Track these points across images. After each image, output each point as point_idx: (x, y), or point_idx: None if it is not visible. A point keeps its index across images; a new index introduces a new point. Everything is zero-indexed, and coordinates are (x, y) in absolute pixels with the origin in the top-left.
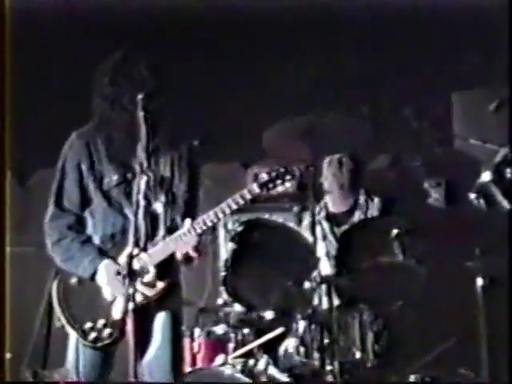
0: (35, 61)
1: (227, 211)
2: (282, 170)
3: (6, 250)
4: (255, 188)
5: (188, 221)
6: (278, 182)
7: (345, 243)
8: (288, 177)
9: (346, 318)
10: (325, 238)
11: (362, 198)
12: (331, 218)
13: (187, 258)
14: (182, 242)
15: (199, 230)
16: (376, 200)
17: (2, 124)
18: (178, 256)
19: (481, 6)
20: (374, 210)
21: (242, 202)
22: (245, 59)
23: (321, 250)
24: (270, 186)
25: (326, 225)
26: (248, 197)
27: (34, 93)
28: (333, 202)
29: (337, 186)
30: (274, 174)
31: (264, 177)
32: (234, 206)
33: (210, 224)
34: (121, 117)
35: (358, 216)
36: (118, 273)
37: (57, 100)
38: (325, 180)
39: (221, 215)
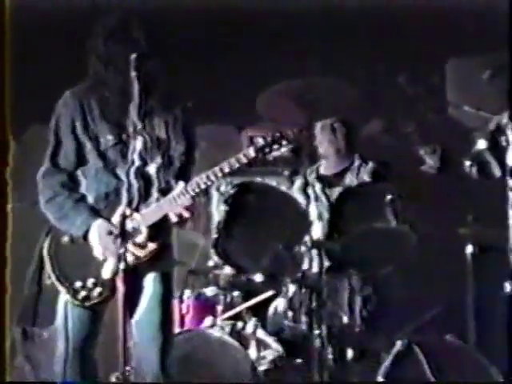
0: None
1: (220, 174)
2: (278, 134)
3: (7, 208)
4: (251, 152)
5: (181, 183)
6: (274, 146)
7: (337, 207)
8: (284, 142)
9: (335, 282)
10: (317, 199)
11: (356, 163)
12: (323, 180)
13: (180, 220)
14: (175, 203)
15: (192, 192)
16: (369, 165)
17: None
18: (172, 217)
19: None
20: (365, 174)
21: (236, 165)
22: (241, 22)
23: (313, 212)
24: (266, 150)
25: (318, 186)
26: (243, 161)
27: (34, 45)
28: (326, 166)
29: (333, 151)
30: (269, 139)
31: (260, 141)
32: (228, 170)
33: (203, 186)
34: (115, 78)
35: (349, 179)
36: (110, 232)
37: (53, 55)
38: (320, 144)
39: (214, 178)
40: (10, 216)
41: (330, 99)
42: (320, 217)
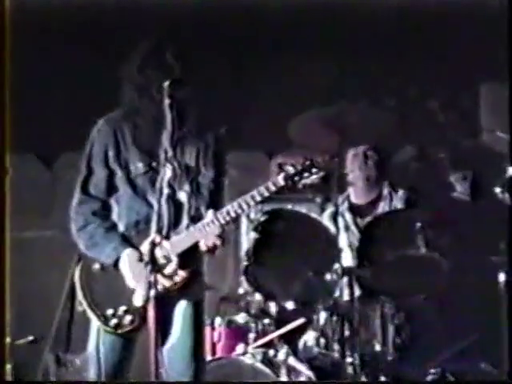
0: (60, 42)
1: (252, 203)
2: (308, 162)
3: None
4: (280, 180)
5: (211, 211)
6: (305, 174)
7: (368, 235)
8: (314, 170)
9: (367, 310)
10: (347, 228)
11: (386, 190)
12: (354, 210)
13: (211, 248)
14: (205, 231)
15: (223, 220)
16: (400, 192)
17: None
18: (202, 246)
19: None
20: (398, 202)
21: (266, 193)
22: (273, 47)
23: (343, 241)
24: (296, 178)
25: (348, 216)
26: (273, 189)
27: (60, 78)
28: (356, 194)
29: (362, 178)
30: (299, 167)
31: (290, 169)
32: (259, 198)
33: (233, 215)
34: (149, 105)
35: (381, 208)
36: (141, 260)
37: (84, 85)
38: (350, 172)
39: (245, 206)
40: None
41: (362, 126)
42: (350, 245)
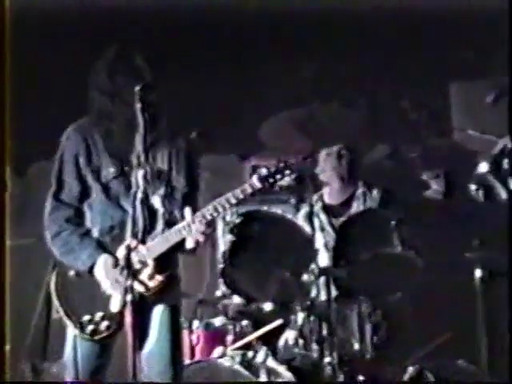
0: (35, 57)
1: (227, 205)
2: (282, 164)
3: (6, 244)
4: (256, 183)
5: (188, 211)
6: (278, 176)
7: (343, 234)
8: (287, 171)
9: (344, 309)
10: (322, 229)
11: (360, 190)
12: (328, 210)
13: (195, 246)
14: (185, 232)
15: (204, 220)
16: (375, 191)
17: (1, 117)
18: (188, 243)
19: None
20: (372, 201)
21: (241, 196)
22: (244, 50)
23: (319, 241)
24: (271, 180)
25: (323, 216)
26: (249, 191)
27: (33, 85)
28: (330, 194)
29: (336, 178)
30: (273, 169)
31: (264, 172)
32: (234, 201)
33: (209, 218)
34: (121, 111)
35: (356, 207)
36: (116, 265)
37: (55, 92)
38: (322, 172)
39: (221, 209)
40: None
41: (333, 126)
42: (326, 245)
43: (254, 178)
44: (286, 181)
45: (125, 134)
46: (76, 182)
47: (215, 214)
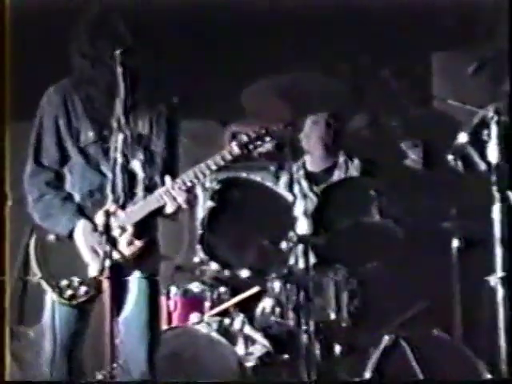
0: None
1: (207, 172)
2: (262, 131)
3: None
4: (235, 149)
5: (168, 177)
6: (258, 143)
7: (323, 202)
8: (267, 138)
9: (321, 277)
10: (304, 196)
11: (341, 158)
12: (310, 177)
13: (176, 211)
14: (166, 198)
15: (182, 188)
16: (356, 160)
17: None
18: (168, 208)
19: None
20: (353, 170)
21: (222, 162)
22: (227, 18)
23: (299, 208)
24: (250, 147)
25: (304, 183)
26: (228, 157)
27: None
28: (312, 161)
29: (320, 146)
30: (253, 135)
31: (244, 138)
32: (214, 167)
33: (189, 184)
34: (102, 74)
35: (337, 176)
36: (96, 230)
37: (34, 54)
38: (306, 139)
39: (201, 176)
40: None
41: (315, 94)
42: (305, 212)
43: (233, 144)
44: (266, 147)
45: (105, 98)
46: (55, 145)
47: (195, 181)
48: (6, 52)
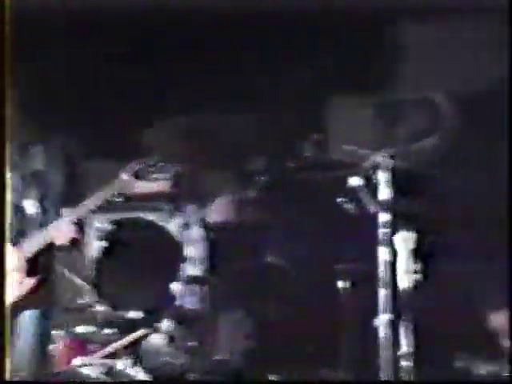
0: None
1: (98, 202)
2: (152, 162)
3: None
4: (124, 176)
5: (63, 212)
6: (149, 169)
7: (216, 243)
8: (156, 170)
9: (214, 318)
10: (195, 239)
11: None
12: (203, 222)
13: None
14: (58, 232)
15: (71, 221)
16: None
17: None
18: (61, 240)
19: None
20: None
21: (111, 192)
22: (130, 57)
23: (191, 251)
24: (140, 173)
25: (196, 227)
26: (117, 186)
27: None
28: (212, 214)
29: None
30: (143, 165)
31: (134, 166)
32: (103, 197)
33: (78, 218)
34: None
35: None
36: None
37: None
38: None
39: (92, 206)
40: None
41: (219, 134)
42: (198, 255)
43: (123, 174)
44: (158, 182)
45: None
46: None
47: (84, 214)
48: (6, 52)
